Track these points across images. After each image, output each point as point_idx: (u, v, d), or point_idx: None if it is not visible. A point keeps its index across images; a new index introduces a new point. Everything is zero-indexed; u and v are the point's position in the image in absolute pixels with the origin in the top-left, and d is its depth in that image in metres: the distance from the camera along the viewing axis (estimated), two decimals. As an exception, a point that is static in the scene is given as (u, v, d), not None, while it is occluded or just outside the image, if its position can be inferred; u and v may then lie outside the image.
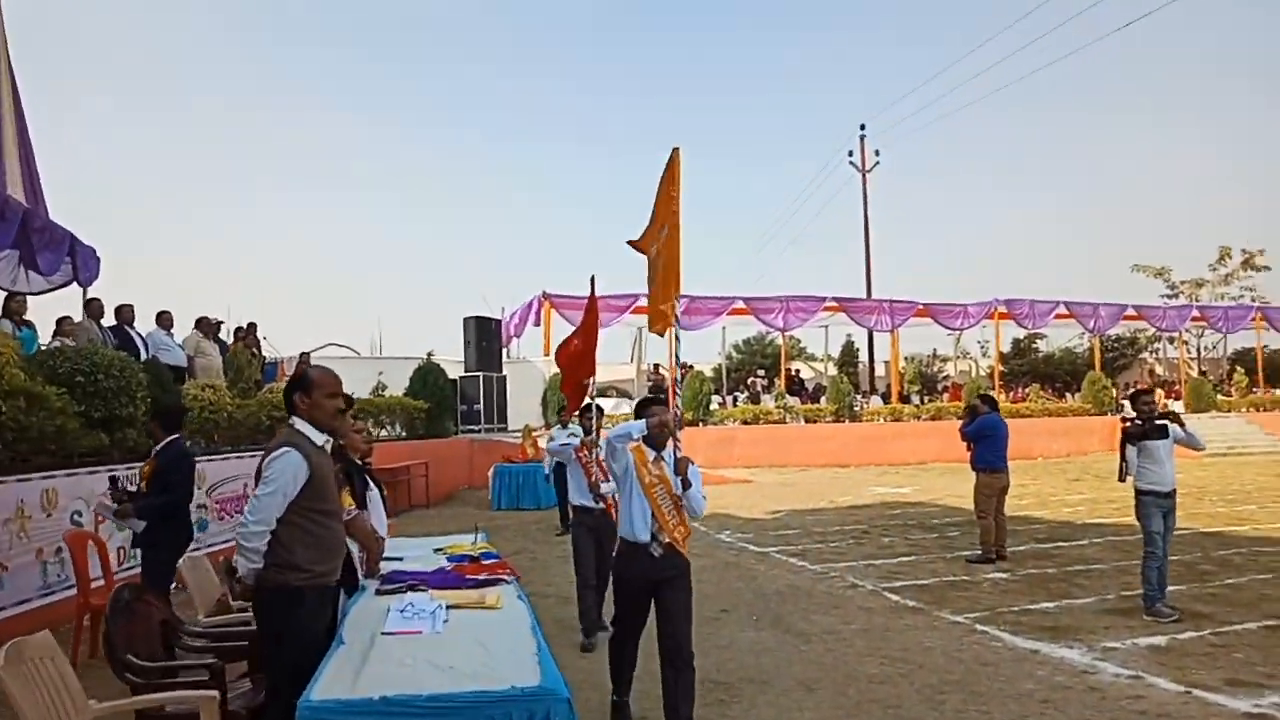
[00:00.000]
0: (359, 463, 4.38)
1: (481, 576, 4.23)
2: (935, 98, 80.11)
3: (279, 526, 3.02)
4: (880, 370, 29.76)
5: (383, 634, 3.05)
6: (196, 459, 9.11)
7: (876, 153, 30.16)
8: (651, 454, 4.00)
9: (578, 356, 6.74)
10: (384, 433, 15.92)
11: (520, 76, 76.33)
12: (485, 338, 18.70)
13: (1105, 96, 65.57)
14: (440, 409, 17.36)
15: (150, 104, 67.68)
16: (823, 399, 23.60)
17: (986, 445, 8.93)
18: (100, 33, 65.88)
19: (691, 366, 23.05)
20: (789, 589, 7.50)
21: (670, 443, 4.02)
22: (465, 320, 18.63)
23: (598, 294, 6.77)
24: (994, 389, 23.05)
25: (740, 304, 23.02)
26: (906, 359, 31.95)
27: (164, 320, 10.44)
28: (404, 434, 16.47)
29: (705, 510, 4.07)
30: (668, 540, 3.90)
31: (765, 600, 7.09)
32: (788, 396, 23.08)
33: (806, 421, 22.10)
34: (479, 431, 18.10)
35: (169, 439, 5.52)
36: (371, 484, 4.65)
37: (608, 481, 5.79)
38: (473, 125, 76.32)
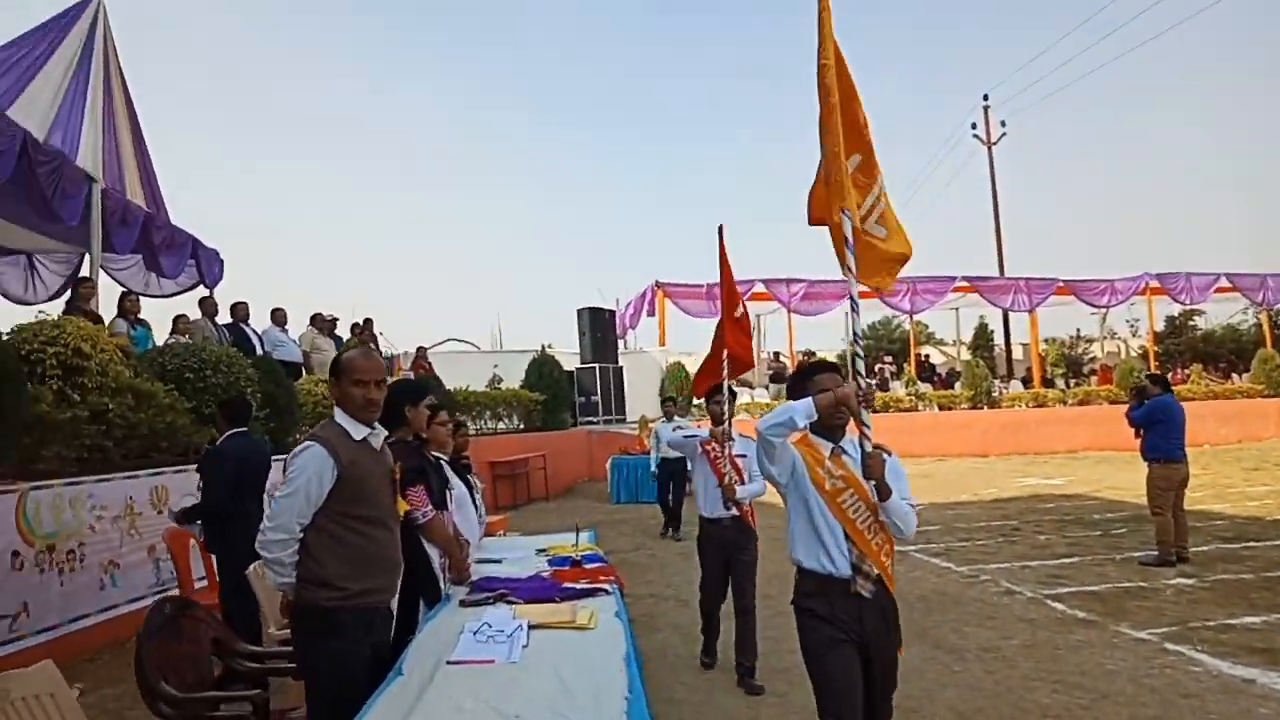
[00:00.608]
0: (437, 459, 3.93)
1: (580, 585, 3.71)
2: (1066, 59, 74.70)
3: (309, 534, 2.58)
4: (1018, 353, 27.82)
5: (448, 663, 2.55)
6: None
7: (1002, 123, 27.90)
8: (826, 447, 2.78)
9: (734, 326, 5.49)
10: (501, 425, 15.86)
11: (641, 76, 76.25)
12: (600, 329, 18.41)
13: (1264, 42, 59.29)
14: (557, 401, 17.23)
15: (282, 103, 71.26)
16: (957, 385, 22.15)
17: (1159, 432, 7.76)
18: (228, 18, 69.60)
19: (814, 354, 22.08)
20: (934, 595, 6.66)
21: (854, 429, 2.78)
22: (579, 312, 18.36)
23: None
24: (1149, 370, 21.02)
25: (864, 287, 21.80)
26: (1046, 341, 29.74)
27: (278, 317, 10.54)
28: (522, 426, 16.37)
29: (915, 527, 2.75)
30: (877, 572, 2.66)
31: (908, 608, 6.25)
32: (919, 383, 21.77)
33: (941, 409, 20.72)
34: (597, 423, 17.83)
35: (230, 432, 5.12)
36: (458, 481, 4.23)
37: (744, 484, 4.65)
38: (588, 123, 76.88)
